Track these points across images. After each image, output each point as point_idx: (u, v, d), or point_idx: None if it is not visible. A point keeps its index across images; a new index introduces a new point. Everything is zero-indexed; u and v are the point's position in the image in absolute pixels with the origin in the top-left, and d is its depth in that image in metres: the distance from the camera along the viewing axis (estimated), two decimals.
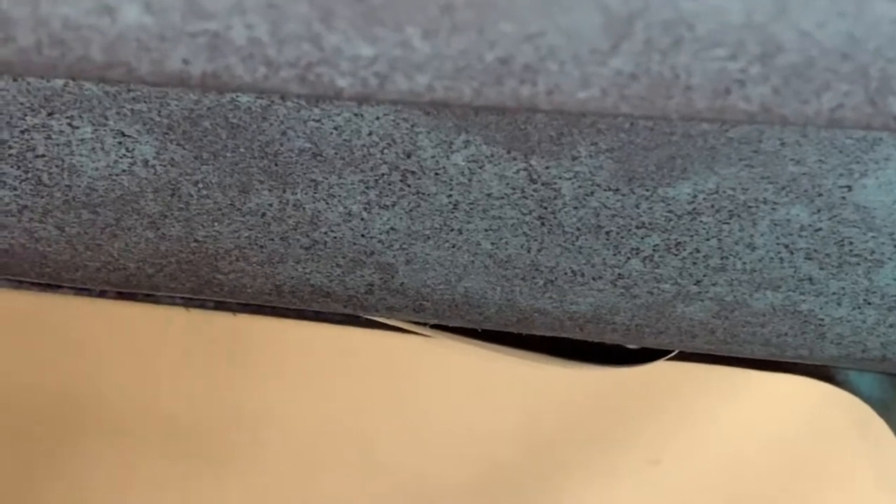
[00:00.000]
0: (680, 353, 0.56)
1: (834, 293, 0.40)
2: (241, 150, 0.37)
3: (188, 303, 0.57)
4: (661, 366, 0.58)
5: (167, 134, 0.36)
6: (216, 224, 0.40)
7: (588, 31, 0.24)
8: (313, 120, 0.35)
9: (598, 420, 1.05)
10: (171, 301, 0.57)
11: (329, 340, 1.05)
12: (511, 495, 1.08)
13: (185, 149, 0.37)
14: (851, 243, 0.38)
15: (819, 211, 0.37)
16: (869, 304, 0.40)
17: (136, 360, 1.10)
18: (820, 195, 0.36)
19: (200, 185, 0.38)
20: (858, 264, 0.38)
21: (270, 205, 0.39)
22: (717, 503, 1.03)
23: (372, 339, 1.04)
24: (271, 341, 1.07)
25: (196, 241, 0.41)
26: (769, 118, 0.26)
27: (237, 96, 0.35)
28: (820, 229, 0.37)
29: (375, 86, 0.26)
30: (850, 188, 0.36)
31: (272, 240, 0.41)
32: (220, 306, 0.57)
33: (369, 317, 0.48)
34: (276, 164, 0.37)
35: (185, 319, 1.03)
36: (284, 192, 0.38)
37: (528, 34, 0.24)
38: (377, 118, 0.35)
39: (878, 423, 0.54)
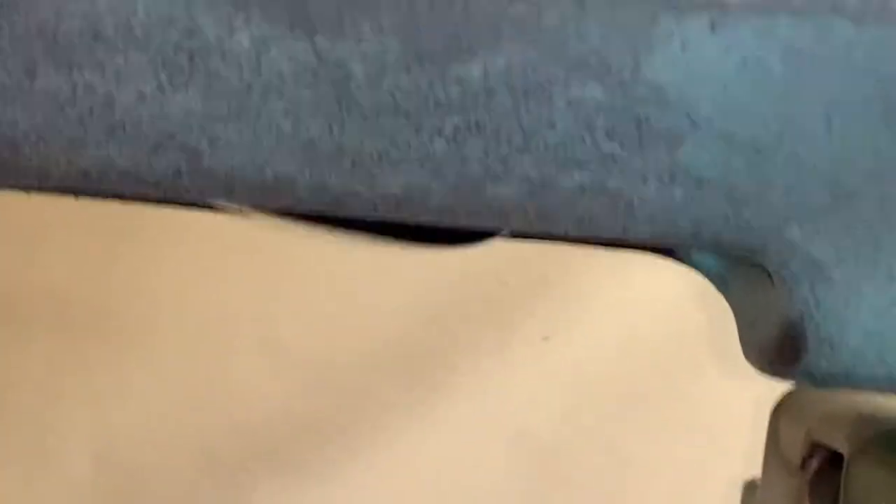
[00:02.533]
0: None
1: (639, 171, 0.40)
2: (18, 30, 0.36)
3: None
4: (510, 246, 0.58)
5: None
6: (8, 107, 0.39)
7: None
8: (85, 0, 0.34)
9: (483, 298, 1.06)
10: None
11: (217, 224, 1.04)
12: (406, 371, 1.09)
13: None
14: (648, 121, 0.38)
15: (612, 89, 0.36)
16: (674, 181, 0.40)
17: (19, 239, 1.08)
18: (610, 73, 0.36)
19: None
20: (658, 142, 0.38)
21: (60, 87, 0.38)
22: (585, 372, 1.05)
23: (252, 229, 1.03)
24: (159, 221, 1.06)
25: None
26: None
27: None
28: (615, 108, 0.37)
29: None
30: (637, 66, 0.36)
31: (69, 125, 0.40)
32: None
33: (184, 201, 0.47)
34: (56, 45, 0.36)
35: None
36: (71, 73, 0.37)
37: None
38: None
39: (717, 297, 0.54)
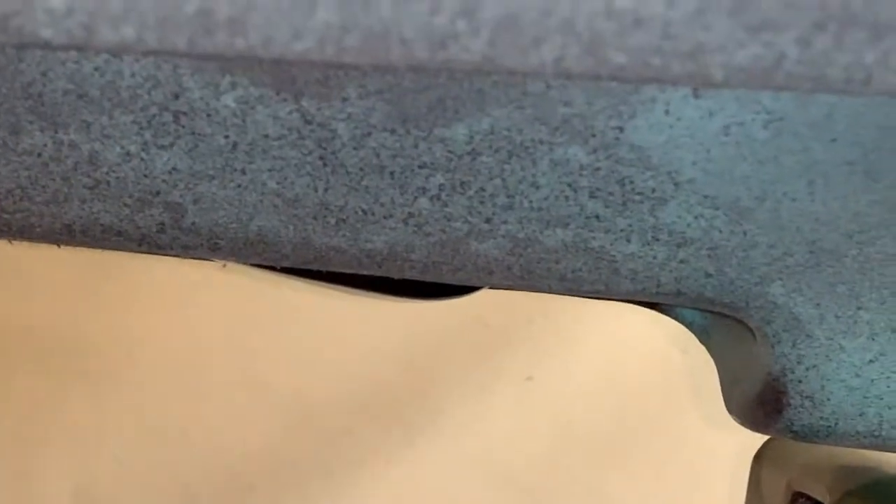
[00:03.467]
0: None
1: (622, 230, 0.40)
2: (3, 90, 0.36)
3: None
4: (497, 296, 0.58)
5: None
6: None
7: None
8: (71, 61, 0.34)
9: (465, 338, 1.06)
10: None
11: (198, 264, 1.04)
12: (389, 412, 1.09)
13: None
14: (632, 182, 0.38)
15: (595, 151, 0.37)
16: (657, 240, 0.40)
17: (8, 278, 1.08)
18: (594, 136, 0.36)
19: None
20: (642, 202, 0.38)
21: (45, 145, 0.38)
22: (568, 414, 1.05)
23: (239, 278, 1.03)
24: (139, 261, 1.06)
25: None
26: (497, 68, 0.26)
27: None
28: (599, 169, 0.37)
29: (83, 37, 0.25)
30: (621, 129, 0.36)
31: (53, 180, 0.40)
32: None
33: (166, 255, 0.47)
34: (42, 105, 0.36)
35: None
36: (56, 132, 0.37)
37: None
38: (137, 59, 0.34)
39: (700, 350, 0.54)
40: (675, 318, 0.56)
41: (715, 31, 0.24)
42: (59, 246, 0.56)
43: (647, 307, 0.57)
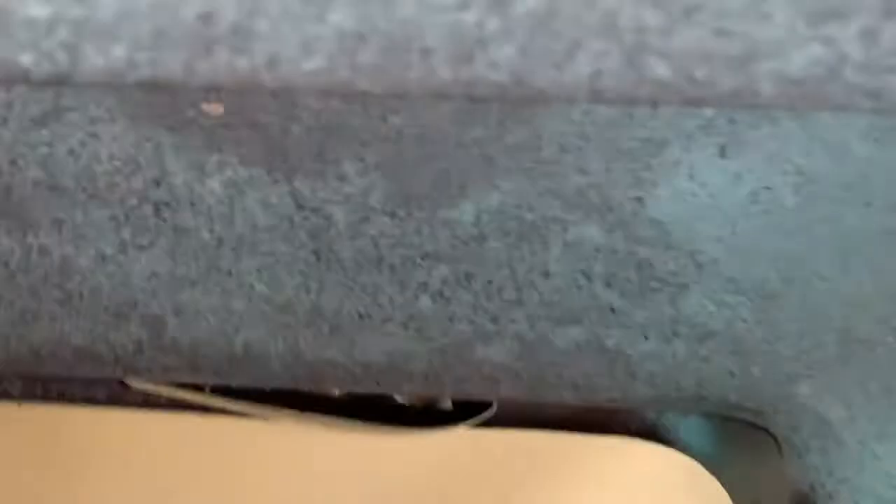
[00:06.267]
0: (505, 420, 0.53)
1: (639, 324, 0.37)
2: None
3: None
4: (495, 434, 0.55)
5: None
6: None
7: None
8: (43, 144, 0.32)
9: (472, 480, 1.03)
10: None
11: (158, 427, 1.00)
12: None
13: None
14: (651, 265, 0.35)
15: (613, 229, 0.34)
16: (677, 335, 0.37)
17: None
18: (611, 210, 0.34)
19: None
20: (661, 290, 0.36)
21: (12, 251, 0.35)
22: None
23: (212, 423, 0.99)
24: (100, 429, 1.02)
25: None
26: (526, 90, 0.23)
27: None
28: (616, 251, 0.35)
29: (67, 63, 0.23)
30: (641, 200, 0.33)
31: (21, 295, 0.36)
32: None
33: (142, 381, 0.44)
34: (9, 201, 0.33)
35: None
36: (25, 235, 0.34)
37: None
38: (115, 138, 0.31)
39: (709, 480, 0.51)
40: (682, 448, 0.53)
41: (774, 22, 0.22)
42: (19, 405, 0.52)
43: (651, 440, 0.54)
